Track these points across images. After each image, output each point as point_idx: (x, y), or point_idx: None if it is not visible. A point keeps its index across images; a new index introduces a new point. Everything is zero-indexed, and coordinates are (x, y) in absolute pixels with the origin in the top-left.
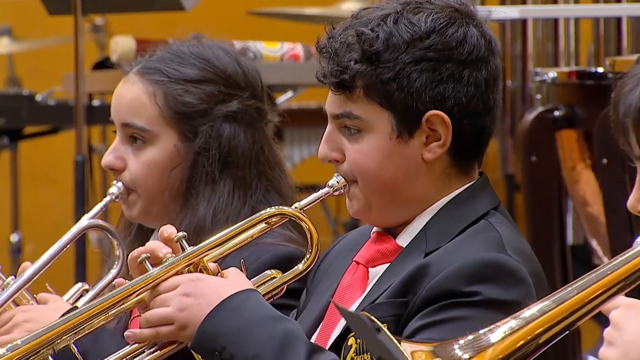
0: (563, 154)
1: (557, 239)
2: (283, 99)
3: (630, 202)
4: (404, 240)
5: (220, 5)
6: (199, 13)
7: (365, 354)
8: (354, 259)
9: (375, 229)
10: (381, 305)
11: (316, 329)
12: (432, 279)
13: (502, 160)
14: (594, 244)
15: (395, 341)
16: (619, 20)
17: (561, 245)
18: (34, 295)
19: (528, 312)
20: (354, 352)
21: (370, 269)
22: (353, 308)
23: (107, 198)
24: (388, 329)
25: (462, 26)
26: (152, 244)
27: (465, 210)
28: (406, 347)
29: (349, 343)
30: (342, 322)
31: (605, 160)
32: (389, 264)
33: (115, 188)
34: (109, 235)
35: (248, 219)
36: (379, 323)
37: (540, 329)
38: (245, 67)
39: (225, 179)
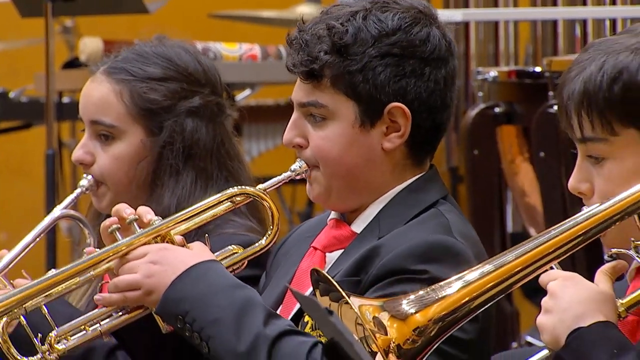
0: (503, 148)
1: (498, 227)
2: (242, 96)
3: (571, 183)
4: (358, 226)
5: (182, 8)
6: (163, 15)
7: (319, 329)
8: (311, 245)
9: (332, 215)
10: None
11: (277, 309)
12: (383, 258)
13: (447, 153)
14: (532, 231)
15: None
16: (555, 22)
17: (501, 233)
18: (11, 281)
19: (470, 275)
20: (310, 328)
21: (327, 254)
22: (310, 290)
23: (78, 190)
24: None
25: (425, 26)
26: (117, 206)
27: (417, 198)
28: (355, 301)
29: (305, 320)
30: (297, 304)
31: (542, 154)
32: (344, 249)
33: (85, 181)
34: (81, 225)
35: (214, 197)
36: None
37: (481, 290)
38: (205, 66)
39: (188, 170)
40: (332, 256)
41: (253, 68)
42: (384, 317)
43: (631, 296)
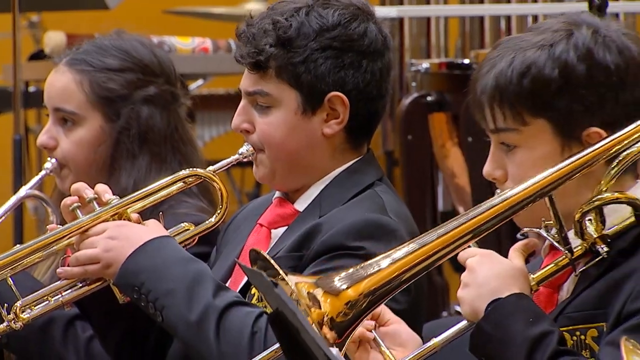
0: (434, 133)
1: (430, 206)
2: (194, 86)
3: (486, 169)
4: (301, 205)
5: (139, 4)
6: (121, 11)
7: (264, 301)
8: (258, 222)
9: (277, 194)
10: (280, 259)
11: (226, 283)
12: (323, 235)
13: (383, 138)
14: (461, 210)
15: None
16: (481, 18)
17: (433, 211)
18: None
19: (397, 253)
20: (256, 300)
21: (272, 231)
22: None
23: (43, 172)
24: None
25: (363, 22)
26: (77, 186)
27: (355, 180)
28: (292, 279)
29: (252, 292)
30: (245, 277)
31: (470, 139)
32: (287, 226)
33: (49, 164)
34: (44, 204)
35: (167, 178)
36: (281, 270)
37: (407, 266)
38: (159, 57)
39: (144, 154)
40: (277, 232)
41: (205, 60)
42: (318, 292)
43: (541, 271)
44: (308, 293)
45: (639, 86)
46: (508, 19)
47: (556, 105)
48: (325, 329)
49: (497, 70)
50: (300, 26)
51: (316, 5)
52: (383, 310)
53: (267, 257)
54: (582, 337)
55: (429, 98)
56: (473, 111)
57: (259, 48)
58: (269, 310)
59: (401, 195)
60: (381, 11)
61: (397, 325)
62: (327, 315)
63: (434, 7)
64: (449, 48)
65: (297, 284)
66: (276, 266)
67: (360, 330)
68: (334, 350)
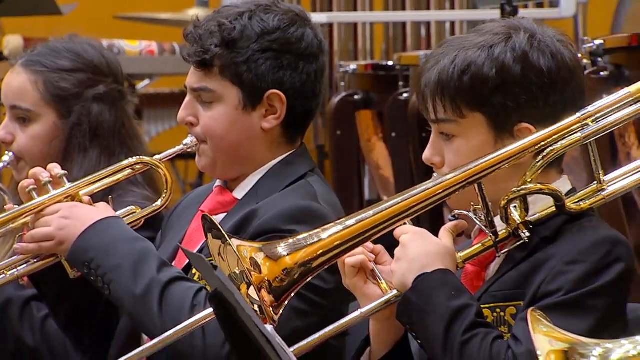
0: (361, 129)
1: (357, 195)
2: (142, 85)
3: (425, 155)
4: (239, 193)
5: (91, 10)
6: (74, 17)
7: (204, 280)
8: (199, 209)
9: (217, 183)
10: None
11: (171, 262)
12: (259, 220)
13: (314, 133)
14: (385, 198)
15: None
16: (404, 24)
17: (360, 200)
18: None
19: (336, 227)
20: (199, 277)
21: (213, 217)
22: (198, 248)
23: (1, 165)
24: None
25: (301, 27)
26: (34, 170)
27: (289, 171)
28: (235, 242)
29: (193, 272)
30: (187, 260)
31: (393, 134)
32: (227, 212)
33: (7, 157)
34: (3, 194)
35: (116, 165)
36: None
37: (343, 239)
38: (108, 59)
39: (94, 148)
40: (217, 218)
41: (151, 61)
42: (260, 257)
43: (468, 250)
44: (250, 258)
45: (568, 89)
46: (428, 24)
47: (492, 101)
48: (264, 292)
49: (441, 67)
50: (243, 29)
51: (258, 11)
52: (382, 250)
53: (216, 222)
54: (502, 314)
55: (356, 97)
56: (418, 101)
57: (204, 48)
58: (209, 288)
59: (331, 185)
60: (313, 17)
61: (393, 266)
62: (265, 279)
63: (361, 13)
64: (374, 51)
65: (239, 246)
66: (223, 232)
67: (362, 258)
68: (269, 327)
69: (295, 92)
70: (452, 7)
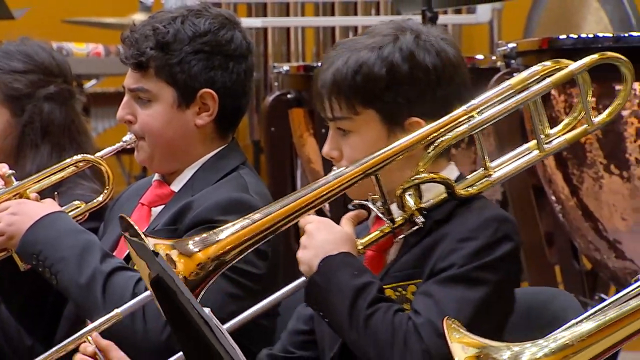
0: (293, 125)
1: (290, 186)
2: (89, 85)
3: (324, 150)
4: (176, 186)
5: (41, 15)
6: (26, 21)
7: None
8: (140, 202)
9: (156, 177)
10: (159, 232)
11: (113, 252)
12: (195, 211)
13: (250, 130)
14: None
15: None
16: (333, 29)
17: (292, 190)
18: None
19: (244, 222)
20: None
21: (152, 209)
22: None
23: None
24: None
25: (230, 30)
26: None
27: (222, 164)
28: (150, 241)
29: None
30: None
31: (323, 130)
32: (165, 204)
33: None
34: None
35: (61, 163)
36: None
37: (251, 234)
38: (58, 60)
39: (46, 144)
40: (156, 210)
41: (98, 63)
42: (174, 254)
43: (368, 237)
44: (166, 254)
45: (453, 84)
46: (355, 29)
47: (383, 98)
48: None
49: (335, 68)
50: (176, 32)
51: (190, 15)
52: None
53: (132, 223)
54: (404, 292)
55: (289, 96)
56: (315, 102)
57: (140, 50)
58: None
59: (266, 177)
60: (247, 22)
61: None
62: (181, 274)
63: (293, 18)
64: (305, 53)
65: (155, 245)
66: (138, 231)
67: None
68: (207, 310)
69: (226, 91)
70: (378, 13)
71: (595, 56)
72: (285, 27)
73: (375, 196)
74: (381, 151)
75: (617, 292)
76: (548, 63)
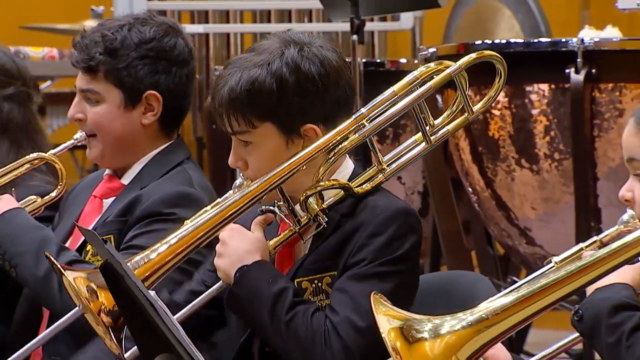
0: None
1: (230, 179)
2: (45, 86)
3: (230, 161)
4: (126, 180)
5: (1, 21)
6: None
7: (97, 255)
8: (92, 194)
9: (107, 171)
10: (110, 223)
11: (66, 242)
12: (143, 204)
13: (194, 127)
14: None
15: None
16: (269, 34)
17: (232, 183)
18: None
19: (173, 239)
20: (90, 254)
21: (103, 200)
22: (91, 227)
23: None
24: (113, 239)
25: (173, 37)
26: None
27: (168, 160)
28: (69, 274)
29: (87, 249)
30: (82, 237)
31: None
32: (116, 197)
33: None
34: None
35: (18, 161)
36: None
37: (170, 255)
38: (18, 64)
39: (4, 141)
40: (107, 202)
41: (53, 65)
42: (93, 286)
43: (276, 239)
44: (87, 287)
45: (339, 87)
46: None
47: (277, 111)
48: (103, 315)
49: (229, 87)
50: (123, 39)
51: (136, 23)
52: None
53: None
54: (319, 284)
55: None
56: (215, 118)
57: (90, 55)
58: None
59: (208, 171)
60: (191, 28)
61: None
62: (104, 305)
63: (233, 25)
64: None
65: (75, 279)
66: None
67: None
68: (152, 293)
69: (170, 93)
70: (310, 20)
71: (473, 55)
72: (226, 32)
73: (281, 202)
74: (285, 164)
75: (528, 275)
76: (432, 65)
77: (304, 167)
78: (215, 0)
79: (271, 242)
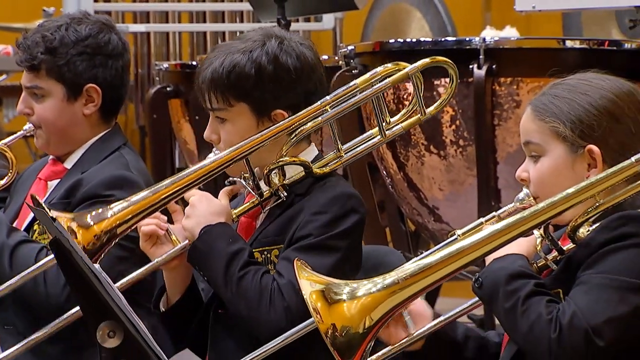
0: (172, 113)
1: (169, 164)
2: (0, 79)
3: (205, 134)
4: (69, 164)
5: None
6: None
7: (45, 234)
8: (38, 176)
9: (51, 156)
10: (54, 204)
11: (15, 220)
12: (85, 187)
13: (136, 117)
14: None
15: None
16: (205, 33)
17: (172, 167)
18: None
19: (135, 198)
20: (38, 234)
21: (48, 182)
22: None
23: None
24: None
25: (108, 33)
26: None
27: (106, 145)
28: (53, 213)
29: (34, 228)
30: (30, 215)
31: (197, 117)
32: (60, 179)
33: None
34: None
35: None
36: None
37: (137, 210)
38: None
39: None
40: (52, 184)
41: (7, 61)
42: (74, 225)
43: (240, 208)
44: (67, 226)
45: (311, 81)
46: (223, 34)
47: (253, 94)
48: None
49: (213, 68)
50: (62, 38)
51: (72, 23)
52: (178, 209)
53: (40, 201)
54: (269, 255)
55: (168, 89)
56: (198, 95)
57: (32, 55)
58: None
59: (149, 156)
60: (134, 27)
61: (184, 222)
62: (81, 244)
63: (172, 25)
64: (182, 53)
65: (57, 217)
66: (45, 207)
67: (152, 227)
68: (97, 266)
69: (108, 84)
70: (242, 21)
71: (427, 60)
72: (165, 31)
73: (247, 174)
74: (251, 138)
75: None
76: (390, 65)
77: (269, 143)
78: (155, 2)
79: (235, 210)
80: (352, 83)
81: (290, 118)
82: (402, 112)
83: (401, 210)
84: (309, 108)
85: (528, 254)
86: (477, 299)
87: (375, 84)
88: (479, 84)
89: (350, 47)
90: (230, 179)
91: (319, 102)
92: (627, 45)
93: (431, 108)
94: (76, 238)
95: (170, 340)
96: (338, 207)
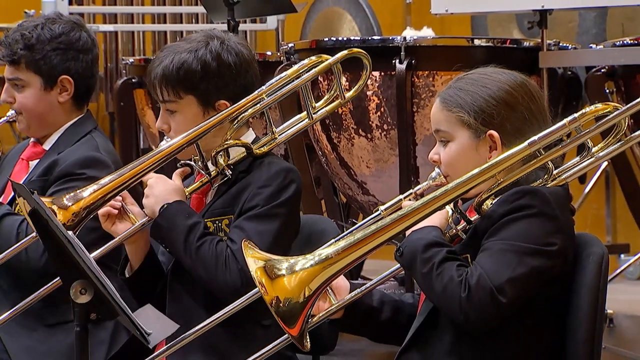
0: (137, 101)
1: (135, 146)
2: None
3: (157, 124)
4: (47, 146)
5: None
6: None
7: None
8: (20, 156)
9: (32, 139)
10: (34, 181)
11: (1, 195)
12: (60, 166)
13: (106, 104)
14: (154, 147)
15: (40, 201)
16: (165, 32)
17: (137, 149)
18: None
19: (104, 180)
20: (18, 209)
21: (29, 162)
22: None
23: None
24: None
25: (78, 31)
26: None
27: (79, 130)
28: (35, 198)
29: (16, 202)
30: (12, 194)
31: (158, 105)
32: (39, 159)
33: None
34: None
35: None
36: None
37: (111, 189)
38: None
39: None
40: (33, 163)
41: None
42: (55, 207)
43: (192, 186)
44: (49, 208)
45: (248, 75)
46: (181, 33)
47: (199, 87)
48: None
49: (164, 65)
50: (38, 36)
51: (47, 22)
52: (127, 194)
53: (23, 186)
54: (220, 224)
55: (133, 80)
56: (149, 88)
57: (13, 51)
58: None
59: (118, 139)
60: (103, 27)
61: (144, 201)
62: (61, 222)
63: (137, 25)
64: (146, 50)
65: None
66: (26, 189)
67: (107, 209)
68: (70, 233)
69: (79, 76)
70: (197, 22)
71: (345, 52)
72: (131, 31)
73: (197, 157)
74: (200, 125)
75: (364, 219)
76: (314, 58)
77: (215, 129)
78: (122, 6)
79: (188, 189)
80: (283, 74)
81: (232, 107)
82: (325, 97)
83: (334, 185)
84: (248, 97)
85: (441, 225)
86: (398, 265)
87: (302, 75)
88: (400, 77)
89: (290, 45)
90: (182, 162)
91: (256, 92)
92: (526, 44)
93: (350, 93)
94: (56, 217)
95: (136, 302)
96: (280, 180)
